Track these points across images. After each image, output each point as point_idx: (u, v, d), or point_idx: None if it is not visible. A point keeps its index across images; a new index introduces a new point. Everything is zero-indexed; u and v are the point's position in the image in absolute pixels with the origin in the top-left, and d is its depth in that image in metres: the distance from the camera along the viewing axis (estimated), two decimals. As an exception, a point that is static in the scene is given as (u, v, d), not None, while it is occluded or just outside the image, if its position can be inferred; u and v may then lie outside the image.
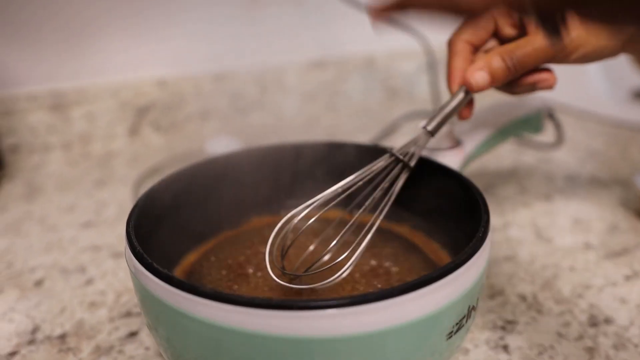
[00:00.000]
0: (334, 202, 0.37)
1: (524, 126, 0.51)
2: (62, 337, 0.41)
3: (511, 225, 0.55)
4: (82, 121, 0.76)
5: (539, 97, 0.52)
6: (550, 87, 0.42)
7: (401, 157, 0.38)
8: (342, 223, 0.45)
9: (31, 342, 0.41)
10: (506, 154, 0.73)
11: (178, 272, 0.40)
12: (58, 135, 0.75)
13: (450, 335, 0.29)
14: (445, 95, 0.94)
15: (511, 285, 0.46)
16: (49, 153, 0.74)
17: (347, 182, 0.37)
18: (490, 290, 0.45)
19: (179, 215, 0.41)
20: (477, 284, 0.30)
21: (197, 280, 0.39)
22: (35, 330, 0.42)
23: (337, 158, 0.46)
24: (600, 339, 0.39)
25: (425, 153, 0.44)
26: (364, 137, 0.78)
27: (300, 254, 0.41)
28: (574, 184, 0.64)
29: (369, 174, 0.37)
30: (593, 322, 0.41)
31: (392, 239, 0.43)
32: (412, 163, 0.38)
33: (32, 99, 0.73)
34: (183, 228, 0.42)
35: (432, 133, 0.39)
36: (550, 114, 0.56)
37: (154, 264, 0.29)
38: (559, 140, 0.62)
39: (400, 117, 0.83)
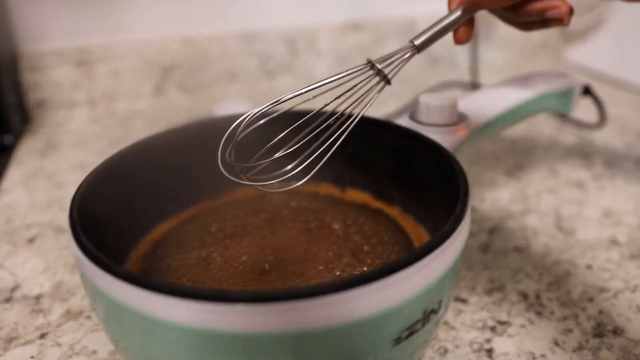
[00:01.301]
0: (300, 102, 0.34)
1: (550, 103, 0.45)
2: (38, 297, 0.41)
3: (531, 213, 0.50)
4: (107, 78, 0.75)
5: (574, 70, 0.46)
6: (561, 18, 0.36)
7: (379, 65, 0.34)
8: (329, 200, 0.43)
9: (8, 300, 0.41)
10: (543, 130, 0.66)
11: (147, 241, 0.39)
12: (83, 92, 0.75)
13: (398, 341, 0.26)
14: (486, 65, 0.87)
15: (514, 281, 0.41)
16: (73, 109, 0.75)
17: (317, 84, 0.33)
18: (490, 284, 0.41)
19: (155, 182, 0.39)
20: (437, 285, 0.27)
21: (163, 252, 0.37)
22: (15, 288, 0.42)
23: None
24: (603, 352, 0.35)
25: (423, 129, 0.39)
26: (395, 104, 0.74)
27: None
28: (613, 170, 0.57)
29: (341, 78, 0.34)
30: (599, 331, 0.36)
31: (380, 219, 0.40)
32: (391, 75, 0.34)
33: (58, 55, 0.73)
34: (158, 196, 0.40)
35: (418, 49, 0.35)
36: (587, 90, 0.49)
37: (82, 238, 0.27)
38: (601, 120, 0.55)
39: (437, 85, 0.77)
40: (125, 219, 0.37)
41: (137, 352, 0.27)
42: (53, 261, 0.45)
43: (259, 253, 0.37)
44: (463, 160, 0.58)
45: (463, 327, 0.37)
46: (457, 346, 0.36)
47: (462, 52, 0.87)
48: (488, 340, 0.36)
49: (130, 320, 0.25)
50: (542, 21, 0.38)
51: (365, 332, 0.25)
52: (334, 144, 0.33)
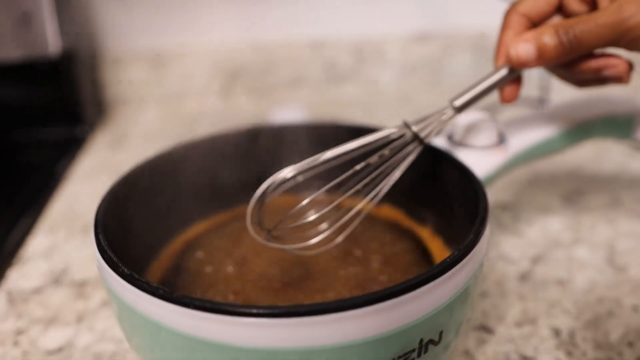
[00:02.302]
0: (330, 164, 0.33)
1: (607, 129, 0.42)
2: (82, 284, 0.44)
3: (581, 243, 0.47)
4: (178, 78, 0.79)
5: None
6: (620, 77, 0.35)
7: (415, 130, 0.33)
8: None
9: (56, 282, 0.44)
10: (611, 156, 0.62)
11: (179, 241, 0.40)
12: (155, 89, 0.79)
13: (390, 367, 0.26)
14: (558, 83, 0.83)
15: (549, 315, 0.39)
16: (145, 107, 0.79)
17: (349, 148, 0.33)
18: (521, 316, 0.39)
19: (193, 184, 0.41)
20: (435, 317, 0.26)
21: (193, 254, 0.39)
22: (63, 272, 0.46)
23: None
24: (633, 403, 0.32)
25: (459, 149, 0.38)
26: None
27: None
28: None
29: (375, 143, 0.33)
30: (632, 380, 0.34)
31: (408, 240, 0.39)
32: (428, 139, 0.33)
33: (134, 54, 0.77)
34: (195, 198, 0.41)
35: (458, 109, 0.34)
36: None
37: (103, 244, 0.29)
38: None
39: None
40: (160, 218, 0.39)
41: (145, 352, 0.29)
42: (102, 250, 0.48)
43: (279, 264, 0.37)
44: (510, 181, 0.56)
45: (483, 357, 0.36)
46: (473, 377, 0.35)
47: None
48: (507, 376, 0.35)
49: (138, 322, 0.27)
50: (599, 79, 0.36)
51: (354, 357, 0.25)
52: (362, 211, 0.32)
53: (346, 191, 0.34)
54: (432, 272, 0.25)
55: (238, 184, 0.43)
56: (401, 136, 0.33)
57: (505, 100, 0.36)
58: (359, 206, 0.33)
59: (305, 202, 0.32)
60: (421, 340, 0.26)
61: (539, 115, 0.41)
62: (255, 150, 0.43)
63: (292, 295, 0.34)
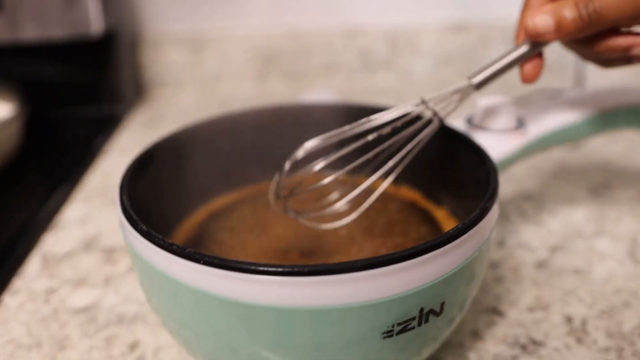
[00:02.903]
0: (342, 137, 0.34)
1: (632, 119, 0.42)
2: (111, 251, 0.46)
3: (603, 235, 0.46)
4: (214, 62, 0.81)
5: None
6: None
7: (433, 107, 0.34)
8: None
9: (87, 247, 0.47)
10: (643, 149, 0.61)
11: (202, 212, 0.42)
12: (192, 72, 0.81)
13: (388, 334, 0.27)
14: (592, 73, 0.81)
15: (562, 302, 0.39)
16: (181, 89, 0.82)
17: (369, 124, 0.34)
18: (534, 301, 0.39)
19: (221, 156, 0.42)
20: (437, 286, 0.27)
21: (215, 224, 0.40)
22: (95, 239, 0.48)
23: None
24: (639, 391, 0.32)
25: (476, 132, 0.38)
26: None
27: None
28: None
29: (390, 119, 0.34)
30: (641, 369, 0.34)
31: (422, 222, 0.40)
32: (444, 115, 0.34)
33: (173, 37, 0.79)
34: (218, 170, 0.43)
35: (476, 86, 0.34)
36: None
37: (126, 204, 0.30)
38: None
39: (534, 92, 0.73)
40: (185, 189, 0.40)
41: (163, 312, 0.30)
42: (131, 220, 0.51)
43: (299, 238, 0.38)
44: (535, 172, 0.55)
45: (492, 339, 0.36)
46: (480, 357, 0.35)
47: (566, 55, 0.81)
48: (515, 357, 0.35)
49: (155, 279, 0.28)
50: (626, 58, 0.35)
51: (351, 320, 0.26)
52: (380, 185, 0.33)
53: (363, 167, 0.35)
54: (435, 242, 0.26)
55: (263, 160, 0.44)
56: (418, 113, 0.34)
57: (526, 79, 0.36)
58: (372, 180, 0.34)
59: (319, 166, 0.33)
60: (422, 309, 0.27)
61: (561, 101, 0.40)
62: (281, 128, 0.45)
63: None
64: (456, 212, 0.40)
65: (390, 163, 0.33)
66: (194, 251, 0.25)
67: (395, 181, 0.43)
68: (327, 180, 0.34)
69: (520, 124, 0.38)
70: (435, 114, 0.33)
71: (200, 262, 0.25)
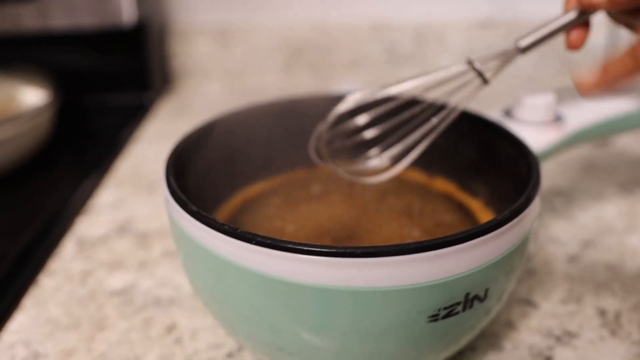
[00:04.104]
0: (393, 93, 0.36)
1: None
2: (144, 235, 0.47)
3: (636, 231, 0.46)
4: (241, 53, 0.82)
5: None
6: None
7: (477, 64, 0.34)
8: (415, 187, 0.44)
9: (121, 230, 0.48)
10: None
11: (238, 197, 0.42)
12: (219, 63, 0.82)
13: (434, 318, 0.27)
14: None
15: (596, 295, 0.39)
16: (208, 79, 0.82)
17: (415, 80, 0.35)
18: (567, 294, 0.39)
19: (258, 144, 0.43)
20: (483, 272, 0.27)
21: (250, 208, 0.41)
22: (128, 222, 0.49)
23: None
24: (676, 383, 0.32)
25: (513, 123, 0.39)
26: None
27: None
28: None
29: (441, 77, 0.35)
30: (677, 362, 0.34)
31: (460, 212, 0.40)
32: (489, 75, 0.34)
33: (201, 27, 0.80)
34: (256, 157, 0.43)
35: (523, 50, 0.35)
36: None
37: (173, 185, 0.31)
38: None
39: (561, 90, 0.73)
40: (223, 175, 0.41)
41: (208, 292, 0.31)
42: (163, 206, 0.51)
43: (332, 223, 0.39)
44: (565, 167, 0.55)
45: (526, 330, 0.36)
46: (515, 346, 0.35)
47: (600, 57, 0.81)
48: (550, 348, 0.35)
49: (206, 261, 0.29)
50: None
51: (400, 302, 0.26)
52: (424, 140, 0.34)
53: (408, 119, 0.36)
54: (484, 226, 0.26)
55: (298, 149, 0.45)
56: (464, 72, 0.34)
57: (572, 46, 0.36)
58: (416, 137, 0.34)
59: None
60: (467, 294, 0.27)
61: (604, 96, 0.40)
62: (317, 117, 0.45)
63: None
64: (491, 204, 0.40)
65: (435, 120, 0.34)
66: (245, 231, 0.26)
67: (431, 172, 0.44)
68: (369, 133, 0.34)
69: (559, 117, 0.38)
70: (480, 73, 0.34)
71: (252, 242, 0.25)
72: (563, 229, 0.47)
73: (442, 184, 0.43)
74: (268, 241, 0.25)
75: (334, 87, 0.62)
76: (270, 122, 0.43)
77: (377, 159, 0.35)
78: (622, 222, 0.48)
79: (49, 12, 0.65)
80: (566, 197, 0.51)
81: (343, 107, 0.34)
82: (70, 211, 0.50)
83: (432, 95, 0.37)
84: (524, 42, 0.34)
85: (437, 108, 0.36)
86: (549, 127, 0.37)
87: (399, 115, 0.37)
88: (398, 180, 0.44)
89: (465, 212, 0.40)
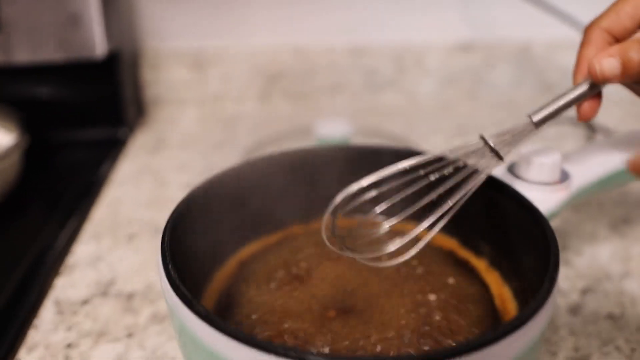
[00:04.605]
0: (406, 177, 0.34)
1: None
2: (130, 296, 0.44)
3: (631, 276, 0.46)
4: (217, 80, 0.79)
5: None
6: None
7: (492, 143, 0.33)
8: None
9: (104, 294, 0.45)
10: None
11: (232, 262, 0.40)
12: (194, 91, 0.79)
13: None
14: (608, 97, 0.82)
15: (602, 353, 0.39)
16: (184, 108, 0.79)
17: (427, 158, 0.34)
18: (574, 353, 0.39)
19: (244, 204, 0.41)
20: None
21: (247, 276, 0.39)
22: (111, 283, 0.46)
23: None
24: None
25: (520, 184, 0.38)
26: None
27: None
28: None
29: (453, 156, 0.34)
30: None
31: (464, 272, 0.39)
32: (505, 154, 0.33)
33: (175, 55, 0.77)
34: (247, 217, 0.41)
35: (536, 125, 0.34)
36: None
37: (176, 280, 0.29)
38: None
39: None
40: (213, 242, 0.38)
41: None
42: (147, 261, 0.48)
43: (332, 293, 0.37)
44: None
45: (538, 397, 0.36)
46: (528, 417, 0.34)
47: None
48: (563, 417, 0.34)
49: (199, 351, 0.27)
50: None
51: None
52: (439, 221, 0.32)
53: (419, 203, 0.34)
54: (489, 337, 0.25)
55: (289, 205, 0.43)
56: (477, 150, 0.33)
57: (583, 117, 0.35)
58: (433, 219, 0.33)
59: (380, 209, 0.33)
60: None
61: (602, 146, 0.40)
62: (307, 171, 0.43)
63: (349, 330, 0.33)
64: (496, 263, 0.39)
65: (450, 202, 0.32)
66: (268, 341, 0.24)
67: (430, 225, 0.43)
68: (387, 224, 0.33)
69: (565, 176, 0.37)
70: (495, 151, 0.33)
71: (277, 354, 0.23)
72: (562, 275, 0.46)
73: (443, 240, 0.42)
74: (292, 353, 0.23)
75: (317, 126, 0.60)
76: (258, 181, 0.41)
77: (393, 244, 0.33)
78: (618, 267, 0.47)
79: (11, 46, 0.61)
80: (561, 240, 0.51)
81: (352, 189, 0.32)
82: (47, 269, 0.46)
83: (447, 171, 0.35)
84: (538, 117, 0.33)
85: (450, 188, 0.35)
86: (556, 188, 0.36)
87: (410, 189, 0.35)
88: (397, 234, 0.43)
89: (469, 270, 0.39)
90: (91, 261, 0.49)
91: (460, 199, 0.33)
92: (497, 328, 0.25)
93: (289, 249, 0.41)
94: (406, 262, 0.39)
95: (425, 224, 0.32)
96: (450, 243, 0.41)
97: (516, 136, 0.33)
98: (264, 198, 0.42)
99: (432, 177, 0.34)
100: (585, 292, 0.45)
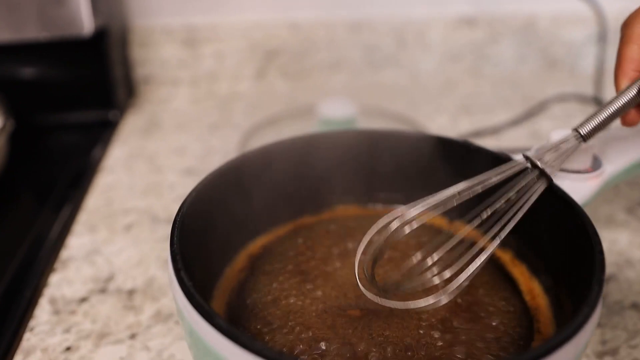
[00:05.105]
0: (444, 209, 0.31)
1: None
2: (131, 292, 0.42)
3: (654, 264, 0.45)
4: (211, 59, 0.75)
5: None
6: None
7: (539, 163, 0.31)
8: (435, 231, 0.40)
9: (102, 290, 0.42)
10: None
11: (242, 257, 0.38)
12: (187, 70, 0.75)
13: None
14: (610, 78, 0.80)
15: (630, 346, 0.37)
16: (176, 88, 0.76)
17: (465, 188, 0.31)
18: (601, 346, 0.37)
19: (253, 195, 0.38)
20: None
21: (258, 273, 0.36)
22: (109, 278, 0.43)
23: (446, 155, 0.40)
24: None
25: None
26: (504, 113, 0.69)
27: (396, 261, 0.36)
28: None
29: (494, 180, 0.31)
30: None
31: (488, 266, 0.36)
32: (553, 173, 0.31)
33: (166, 32, 0.73)
34: (256, 209, 0.39)
35: (584, 138, 0.31)
36: None
37: (188, 285, 0.26)
38: None
39: (553, 97, 0.71)
40: (222, 237, 0.36)
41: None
42: (147, 253, 0.46)
43: (347, 287, 0.34)
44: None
45: (568, 395, 0.34)
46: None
47: (586, 57, 0.79)
48: (596, 416, 0.33)
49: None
50: None
51: None
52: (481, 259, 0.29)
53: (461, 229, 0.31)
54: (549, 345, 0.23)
55: (298, 195, 0.41)
56: (524, 171, 0.31)
57: (629, 123, 0.33)
58: (476, 249, 0.30)
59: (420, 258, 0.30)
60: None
61: (632, 131, 0.37)
62: (311, 159, 0.41)
63: (368, 334, 0.31)
64: (521, 255, 0.37)
65: (495, 228, 0.30)
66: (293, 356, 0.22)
67: (451, 216, 0.40)
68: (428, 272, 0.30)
69: (597, 164, 0.35)
70: (542, 172, 0.30)
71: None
72: (581, 263, 0.45)
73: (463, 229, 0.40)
74: None
75: (320, 107, 0.57)
76: (265, 171, 0.39)
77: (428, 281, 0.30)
78: (638, 253, 0.46)
79: (-6, 23, 0.57)
80: (577, 224, 0.49)
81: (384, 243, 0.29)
82: (41, 265, 0.44)
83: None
84: (585, 130, 0.31)
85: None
86: (589, 176, 0.34)
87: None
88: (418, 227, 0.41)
89: (494, 264, 0.37)
90: (87, 255, 0.46)
91: (506, 226, 0.30)
92: (558, 332, 0.22)
93: (301, 241, 0.39)
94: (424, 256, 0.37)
95: (468, 255, 0.29)
96: (471, 232, 0.39)
97: (563, 153, 0.30)
98: (272, 188, 0.39)
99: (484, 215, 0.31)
100: (607, 280, 0.43)
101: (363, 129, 0.43)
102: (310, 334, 0.31)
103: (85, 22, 0.58)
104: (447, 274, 0.29)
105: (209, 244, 0.34)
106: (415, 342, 0.30)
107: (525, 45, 0.78)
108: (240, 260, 0.37)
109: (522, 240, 0.37)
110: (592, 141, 0.35)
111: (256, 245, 0.39)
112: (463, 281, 0.29)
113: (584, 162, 0.35)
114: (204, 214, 0.33)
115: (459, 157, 0.40)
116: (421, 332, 0.31)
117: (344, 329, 0.31)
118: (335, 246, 0.38)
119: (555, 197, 0.32)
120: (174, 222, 0.30)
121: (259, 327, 0.31)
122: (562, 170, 0.35)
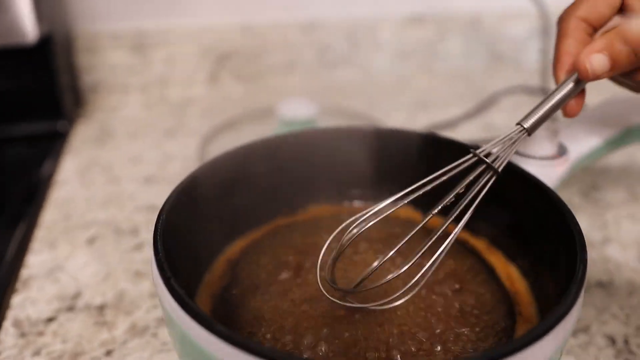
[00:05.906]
0: (397, 207, 0.32)
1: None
2: (101, 308, 0.40)
3: (612, 242, 0.47)
4: (162, 64, 0.73)
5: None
6: None
7: (486, 159, 0.31)
8: (409, 225, 0.40)
9: (70, 308, 0.40)
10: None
11: (221, 262, 0.37)
12: (137, 76, 0.73)
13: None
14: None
15: (600, 322, 0.39)
16: (126, 95, 0.73)
17: (418, 186, 0.31)
18: (577, 324, 0.38)
19: (227, 200, 0.37)
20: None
21: (238, 276, 0.35)
22: (76, 295, 0.41)
23: (410, 149, 0.41)
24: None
25: (519, 160, 0.36)
26: (457, 107, 0.70)
27: (357, 260, 0.37)
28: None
29: (445, 177, 0.31)
30: (697, 390, 0.34)
31: (464, 255, 0.37)
32: (500, 167, 0.32)
33: (114, 37, 0.71)
34: (232, 213, 0.38)
35: (528, 132, 0.32)
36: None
37: (174, 285, 0.25)
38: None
39: (502, 90, 0.74)
40: (200, 244, 0.35)
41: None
42: (114, 267, 0.44)
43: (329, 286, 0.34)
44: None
45: (549, 374, 0.35)
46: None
47: (530, 51, 0.82)
48: (576, 391, 0.34)
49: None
50: None
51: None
52: (438, 258, 0.30)
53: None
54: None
55: (272, 196, 0.40)
56: (472, 165, 0.31)
57: (570, 114, 0.34)
58: (426, 246, 0.31)
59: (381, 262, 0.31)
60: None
61: (592, 118, 0.39)
62: (286, 159, 0.40)
63: (354, 329, 0.31)
64: (496, 242, 0.38)
65: (453, 222, 0.30)
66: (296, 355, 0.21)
67: (423, 209, 0.41)
68: (390, 275, 0.30)
69: (563, 150, 0.36)
70: (488, 165, 0.31)
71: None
72: (546, 247, 0.46)
73: (439, 221, 0.40)
74: None
75: (281, 108, 0.57)
76: (240, 173, 0.38)
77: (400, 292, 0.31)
78: (597, 234, 0.48)
79: None
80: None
81: (345, 242, 0.30)
82: (1, 286, 0.41)
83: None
84: (529, 123, 0.31)
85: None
86: (556, 162, 0.36)
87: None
88: (390, 218, 0.41)
89: (472, 252, 0.38)
90: (49, 272, 0.43)
91: (458, 218, 0.31)
92: (544, 316, 0.23)
93: (278, 244, 0.38)
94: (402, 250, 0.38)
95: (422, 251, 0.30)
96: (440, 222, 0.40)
97: (509, 147, 0.31)
98: (246, 191, 0.38)
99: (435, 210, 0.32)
100: (571, 261, 0.45)
101: (332, 127, 0.43)
102: (295, 335, 0.30)
103: (29, 29, 0.55)
104: (406, 271, 0.30)
105: (189, 251, 0.33)
106: (395, 338, 0.30)
107: (473, 41, 0.81)
108: (220, 266, 0.36)
109: (496, 228, 0.38)
110: (559, 127, 0.37)
111: (234, 249, 0.38)
112: (417, 279, 0.30)
113: (550, 148, 0.36)
114: (181, 222, 0.32)
115: (426, 149, 0.40)
116: (404, 328, 0.31)
117: (329, 327, 0.31)
118: (313, 245, 0.38)
119: (526, 183, 0.33)
120: (155, 230, 0.29)
121: (248, 330, 0.31)
122: (530, 157, 0.36)
